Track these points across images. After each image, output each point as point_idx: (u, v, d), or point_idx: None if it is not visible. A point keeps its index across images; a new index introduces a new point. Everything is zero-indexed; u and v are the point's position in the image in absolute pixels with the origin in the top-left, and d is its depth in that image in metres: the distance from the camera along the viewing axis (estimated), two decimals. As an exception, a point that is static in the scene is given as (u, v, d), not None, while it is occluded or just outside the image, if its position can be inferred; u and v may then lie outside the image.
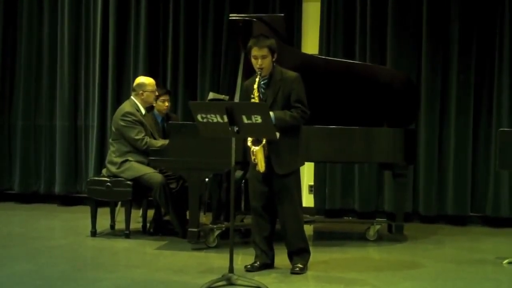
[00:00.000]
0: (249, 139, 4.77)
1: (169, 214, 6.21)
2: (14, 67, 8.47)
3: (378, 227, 6.34)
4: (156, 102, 6.63)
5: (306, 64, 6.12)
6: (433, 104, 7.41)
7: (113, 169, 6.21)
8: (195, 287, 4.47)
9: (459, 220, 7.37)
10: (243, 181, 6.60)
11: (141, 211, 6.87)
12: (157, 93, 6.53)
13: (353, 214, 7.61)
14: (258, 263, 5.00)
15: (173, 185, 6.29)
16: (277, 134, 4.65)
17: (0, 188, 8.50)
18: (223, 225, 5.87)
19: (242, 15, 6.08)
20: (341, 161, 6.93)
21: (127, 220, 6.16)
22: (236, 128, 4.50)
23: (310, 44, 7.74)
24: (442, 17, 7.38)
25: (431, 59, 7.39)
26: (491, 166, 7.25)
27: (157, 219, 6.49)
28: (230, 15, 6.25)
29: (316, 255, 5.27)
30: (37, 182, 8.41)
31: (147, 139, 6.17)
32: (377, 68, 6.96)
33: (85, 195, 6.90)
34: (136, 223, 6.71)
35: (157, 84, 6.59)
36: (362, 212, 7.52)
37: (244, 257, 5.25)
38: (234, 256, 4.61)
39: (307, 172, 7.61)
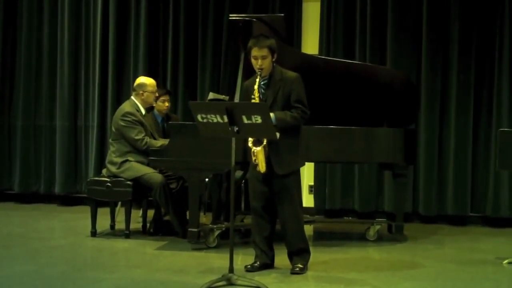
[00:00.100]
0: (250, 139, 4.77)
1: (169, 214, 6.21)
2: (14, 67, 8.47)
3: (378, 227, 6.34)
4: (156, 102, 6.63)
5: (306, 64, 6.12)
6: (433, 104, 7.41)
7: (113, 169, 6.21)
8: (195, 287, 4.47)
9: (459, 220, 7.37)
10: (243, 181, 6.60)
11: (141, 211, 6.87)
12: (157, 94, 6.53)
13: (353, 214, 7.61)
14: (258, 263, 5.00)
15: (173, 185, 6.30)
16: (277, 134, 4.65)
17: (0, 188, 8.51)
18: (223, 225, 5.87)
19: (242, 15, 6.08)
20: (341, 161, 6.93)
21: (127, 220, 6.16)
22: (236, 128, 4.50)
23: (310, 44, 7.74)
24: (442, 17, 7.38)
25: (431, 59, 7.39)
26: (491, 166, 7.25)
27: (157, 219, 6.49)
28: (230, 15, 6.25)
29: (316, 255, 5.27)
30: (37, 182, 8.41)
31: (147, 139, 6.17)
32: (377, 68, 6.95)
33: (85, 195, 6.89)
34: (136, 223, 6.71)
35: (157, 84, 6.58)
36: (362, 212, 7.52)
37: (244, 257, 5.25)
38: (234, 256, 4.61)
39: (307, 172, 7.61)
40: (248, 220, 6.23)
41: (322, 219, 7.51)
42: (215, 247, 5.74)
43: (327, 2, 7.62)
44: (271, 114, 4.64)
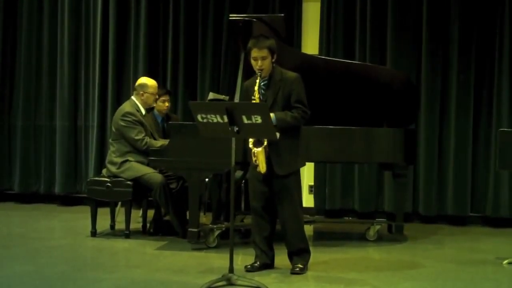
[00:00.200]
0: (250, 140, 4.77)
1: (169, 214, 6.21)
2: (14, 67, 8.47)
3: (378, 227, 6.34)
4: (156, 103, 6.63)
5: (306, 64, 6.12)
6: (433, 104, 7.41)
7: (113, 169, 6.21)
8: (195, 287, 4.47)
9: (459, 220, 7.37)
10: (243, 181, 6.60)
11: (141, 211, 6.86)
12: (157, 96, 6.52)
13: (353, 214, 7.61)
14: (258, 263, 5.00)
15: (173, 185, 6.30)
16: (277, 135, 4.65)
17: (0, 188, 8.50)
18: (223, 225, 5.87)
19: (242, 15, 6.08)
20: (341, 161, 6.93)
21: (127, 220, 6.16)
22: (236, 128, 4.50)
23: (310, 44, 7.74)
24: (442, 17, 7.38)
25: (431, 59, 7.39)
26: (491, 166, 7.25)
27: (157, 219, 6.48)
28: (230, 15, 6.25)
29: (316, 255, 5.27)
30: (37, 182, 8.41)
31: (147, 139, 6.17)
32: (377, 68, 6.95)
33: (85, 195, 6.89)
34: (136, 223, 6.71)
35: (157, 85, 6.58)
36: (362, 212, 7.52)
37: (244, 257, 5.25)
38: (234, 256, 4.60)
39: (307, 172, 7.61)
40: (248, 220, 6.23)
41: (322, 219, 7.51)
42: (215, 247, 5.74)
43: (327, 2, 7.62)
44: (271, 114, 4.64)
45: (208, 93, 6.76)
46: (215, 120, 4.54)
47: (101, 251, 5.74)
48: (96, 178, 6.39)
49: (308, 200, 7.56)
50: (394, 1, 7.44)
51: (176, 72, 8.00)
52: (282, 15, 6.50)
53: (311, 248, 5.09)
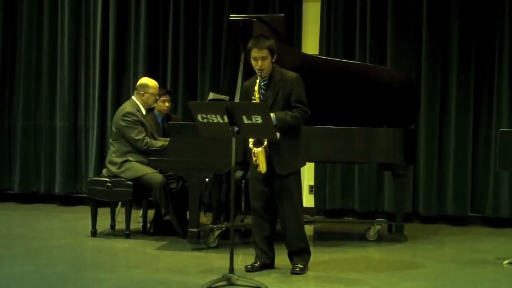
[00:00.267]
0: (250, 140, 4.77)
1: (169, 214, 6.21)
2: (14, 67, 8.47)
3: (378, 227, 6.34)
4: (156, 103, 6.63)
5: (306, 64, 6.12)
6: (433, 104, 7.41)
7: (113, 169, 6.21)
8: (195, 287, 4.47)
9: (459, 220, 7.37)
10: (243, 181, 6.60)
11: (141, 211, 6.86)
12: (158, 97, 6.52)
13: (353, 214, 7.61)
14: (258, 263, 5.00)
15: (173, 185, 6.29)
16: (278, 135, 4.66)
17: (0, 188, 8.50)
18: (223, 225, 5.87)
19: (242, 15, 6.09)
20: (341, 161, 6.93)
21: (127, 220, 6.16)
22: (236, 128, 4.50)
23: (310, 44, 7.74)
24: (442, 17, 7.38)
25: (431, 59, 7.39)
26: (491, 166, 7.25)
27: (157, 219, 6.48)
28: (230, 15, 6.25)
29: (316, 255, 5.27)
30: (37, 182, 8.41)
31: (148, 139, 6.17)
32: (377, 68, 6.95)
33: (85, 195, 6.89)
34: (136, 223, 6.71)
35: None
36: (362, 212, 7.52)
37: (244, 257, 5.25)
38: (234, 256, 4.60)
39: (307, 172, 7.61)
40: (248, 220, 6.23)
41: (322, 219, 7.51)
42: (215, 247, 5.74)
43: (327, 2, 7.62)
44: (272, 114, 4.65)
45: (208, 93, 6.76)
46: (215, 120, 4.54)
47: (101, 251, 5.74)
48: (96, 178, 6.40)
49: (308, 200, 7.56)
50: (394, 1, 7.44)
51: (176, 72, 8.00)
52: (282, 15, 6.50)
53: (311, 248, 5.09)
